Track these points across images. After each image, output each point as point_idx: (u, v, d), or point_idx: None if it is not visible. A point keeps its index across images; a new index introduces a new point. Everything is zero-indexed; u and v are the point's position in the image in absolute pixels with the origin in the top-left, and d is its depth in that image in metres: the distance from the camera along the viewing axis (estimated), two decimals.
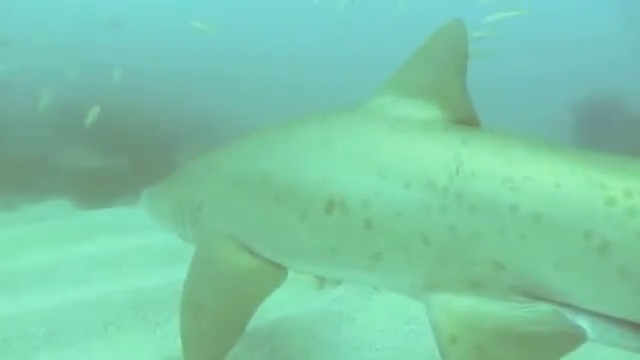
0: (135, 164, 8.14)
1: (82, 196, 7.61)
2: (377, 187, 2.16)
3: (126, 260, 5.48)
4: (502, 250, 2.01)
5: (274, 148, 2.59)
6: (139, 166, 8.17)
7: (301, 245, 2.43)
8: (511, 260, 2.01)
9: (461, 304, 2.04)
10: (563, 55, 20.50)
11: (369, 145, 2.27)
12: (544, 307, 2.02)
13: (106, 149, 8.28)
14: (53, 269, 5.13)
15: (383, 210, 2.14)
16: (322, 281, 5.02)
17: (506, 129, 2.30)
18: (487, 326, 2.00)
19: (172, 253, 5.78)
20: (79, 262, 5.33)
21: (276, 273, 2.58)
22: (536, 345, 1.98)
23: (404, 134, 2.25)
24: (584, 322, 2.03)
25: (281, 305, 4.55)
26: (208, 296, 2.56)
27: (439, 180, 2.07)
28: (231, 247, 2.63)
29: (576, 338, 2.01)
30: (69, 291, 4.67)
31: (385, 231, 2.14)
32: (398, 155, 2.19)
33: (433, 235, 2.07)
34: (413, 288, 2.22)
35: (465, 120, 2.31)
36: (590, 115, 10.24)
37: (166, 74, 13.59)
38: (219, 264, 2.62)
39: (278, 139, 2.64)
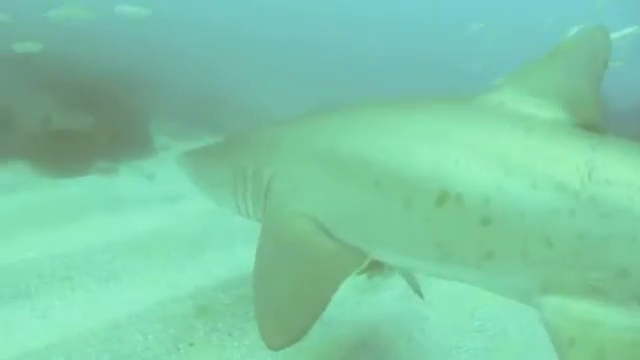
0: (101, 124, 6.60)
1: (43, 161, 6.04)
2: (501, 184, 1.94)
3: (145, 249, 4.38)
4: (631, 257, 1.86)
5: (376, 130, 2.26)
6: (106, 127, 6.70)
7: (400, 236, 2.15)
8: (638, 267, 1.86)
9: (579, 308, 1.92)
10: None
11: (492, 140, 2.03)
12: None
13: (66, 104, 6.61)
14: (65, 262, 3.94)
15: (505, 208, 1.92)
16: (371, 273, 4.47)
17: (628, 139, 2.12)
18: (606, 330, 1.88)
19: (193, 237, 4.79)
20: (90, 252, 4.17)
21: (356, 256, 2.29)
22: None
23: (530, 133, 2.02)
24: None
25: (357, 307, 3.95)
26: (285, 276, 2.25)
27: (570, 184, 1.89)
28: (309, 227, 2.33)
29: None
30: (103, 294, 3.57)
31: (504, 230, 1.93)
32: (525, 154, 1.97)
33: (558, 239, 1.88)
34: (523, 290, 2.03)
35: (591, 127, 2.11)
36: None
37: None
38: (297, 244, 2.30)
39: (380, 121, 2.30)
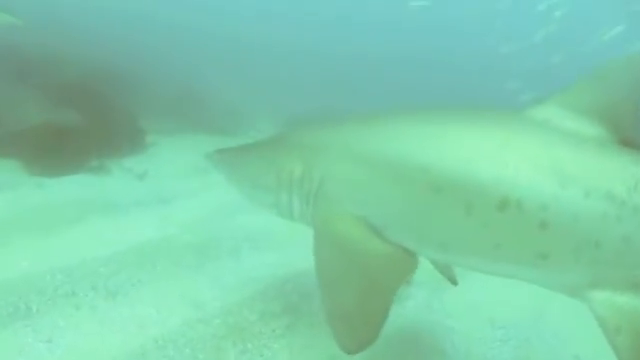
0: (89, 122, 6.07)
1: (31, 160, 5.43)
2: (557, 192, 2.11)
3: (148, 257, 3.98)
4: None
5: (434, 137, 2.34)
6: (95, 124, 6.18)
7: (458, 238, 2.26)
8: None
9: (622, 300, 2.14)
10: None
11: (548, 151, 2.19)
12: None
13: (53, 102, 6.00)
14: (67, 275, 3.50)
15: (561, 214, 2.10)
16: None
17: None
18: None
19: (196, 243, 4.42)
20: (91, 263, 3.73)
21: (410, 260, 2.39)
22: None
23: (579, 147, 2.21)
24: None
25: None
26: (347, 283, 2.30)
27: (618, 194, 2.10)
28: (362, 230, 2.39)
29: None
30: (113, 311, 3.16)
31: (559, 233, 2.11)
32: (578, 166, 2.16)
33: (606, 241, 2.10)
34: (574, 286, 2.22)
35: (628, 144, 2.30)
36: None
37: None
38: (352, 250, 2.36)
39: (434, 128, 2.38)
